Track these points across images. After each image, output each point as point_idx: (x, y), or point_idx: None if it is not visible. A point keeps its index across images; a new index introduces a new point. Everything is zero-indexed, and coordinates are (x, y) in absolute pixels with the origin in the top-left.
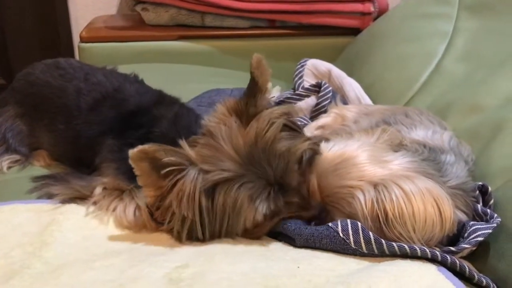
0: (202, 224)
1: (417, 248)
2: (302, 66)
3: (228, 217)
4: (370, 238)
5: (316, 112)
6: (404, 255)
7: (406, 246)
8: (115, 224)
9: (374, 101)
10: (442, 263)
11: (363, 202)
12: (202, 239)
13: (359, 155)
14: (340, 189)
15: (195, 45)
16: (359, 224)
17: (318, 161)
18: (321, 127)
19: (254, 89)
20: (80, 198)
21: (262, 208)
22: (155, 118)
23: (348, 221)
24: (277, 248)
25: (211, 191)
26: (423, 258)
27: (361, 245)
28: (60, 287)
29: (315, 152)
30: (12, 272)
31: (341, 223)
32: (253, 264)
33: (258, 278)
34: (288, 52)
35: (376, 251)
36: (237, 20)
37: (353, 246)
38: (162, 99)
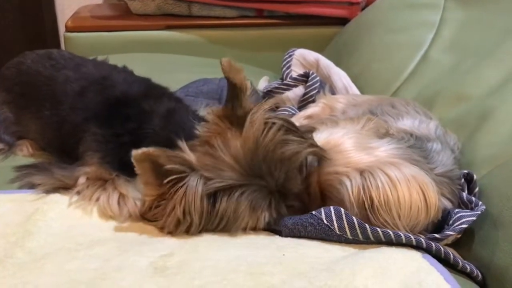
0: (200, 225)
1: (402, 235)
2: (290, 56)
3: (227, 222)
4: (354, 223)
5: (304, 102)
6: (389, 242)
7: (391, 232)
8: (99, 214)
9: (362, 91)
10: (427, 250)
11: (349, 188)
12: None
13: (345, 142)
14: (328, 176)
15: (182, 34)
16: (342, 210)
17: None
18: (309, 116)
19: (235, 92)
20: (63, 188)
21: (264, 217)
22: (145, 112)
23: (331, 207)
24: (263, 237)
25: (212, 197)
26: (408, 245)
27: (345, 231)
28: (44, 276)
29: (317, 156)
30: None
31: (324, 210)
32: (239, 252)
33: (243, 265)
34: (276, 42)
35: (360, 236)
36: (225, 10)
37: (337, 232)
38: (151, 89)
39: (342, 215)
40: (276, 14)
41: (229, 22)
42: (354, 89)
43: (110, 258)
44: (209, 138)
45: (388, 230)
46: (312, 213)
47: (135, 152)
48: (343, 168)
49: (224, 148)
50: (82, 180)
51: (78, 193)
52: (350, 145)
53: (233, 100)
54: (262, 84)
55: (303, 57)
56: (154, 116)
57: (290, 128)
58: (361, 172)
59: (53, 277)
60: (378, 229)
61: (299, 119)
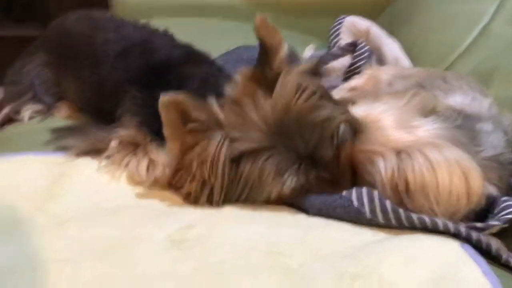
0: (222, 190)
1: (439, 222)
2: (340, 23)
3: (251, 187)
4: (387, 207)
5: (350, 73)
6: (424, 228)
7: (426, 218)
8: (127, 179)
9: (414, 64)
10: (466, 239)
11: (383, 169)
12: (219, 204)
13: (384, 119)
14: (361, 154)
15: None
16: (375, 192)
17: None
18: (353, 89)
19: (266, 52)
20: (95, 151)
21: (290, 182)
22: (184, 77)
23: (363, 189)
24: (288, 215)
25: (236, 160)
26: (446, 233)
27: (376, 215)
28: (65, 241)
29: (352, 125)
30: (16, 224)
31: (355, 191)
32: (260, 229)
33: (262, 243)
34: (327, 7)
35: (393, 221)
36: None
37: (368, 216)
38: (192, 55)
39: (374, 198)
40: None
41: None
42: (405, 61)
43: (130, 227)
44: (237, 98)
45: (424, 216)
46: (342, 194)
47: (163, 98)
48: (378, 147)
49: (253, 108)
50: (114, 143)
51: (108, 157)
52: (390, 122)
53: (263, 61)
54: (308, 52)
55: (353, 25)
56: (192, 81)
57: (324, 95)
58: (398, 153)
59: (70, 242)
60: (413, 215)
61: (341, 91)
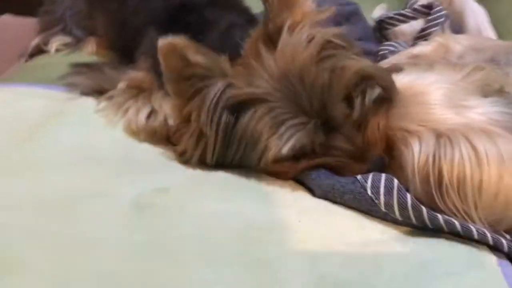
0: (216, 144)
1: (473, 229)
2: None
3: (246, 145)
4: (407, 202)
5: (420, 39)
6: (453, 233)
7: (457, 223)
8: (123, 126)
9: (502, 37)
10: (508, 255)
11: (416, 154)
12: (211, 161)
13: (431, 93)
14: (395, 132)
15: None
16: (395, 182)
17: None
18: (415, 56)
19: (268, 8)
20: (100, 91)
21: (288, 138)
22: (207, 22)
23: (383, 176)
24: (289, 193)
25: (235, 109)
26: (481, 242)
27: (393, 209)
28: (19, 186)
29: (386, 89)
30: None
31: (372, 177)
32: (244, 206)
33: (239, 224)
34: None
35: (413, 220)
36: None
37: (383, 208)
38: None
39: (393, 188)
40: None
41: None
42: (489, 33)
43: (99, 181)
44: (244, 58)
45: (454, 220)
46: (356, 177)
47: (161, 42)
48: (415, 125)
49: (257, 63)
50: (121, 85)
51: (110, 98)
52: (437, 97)
53: (267, 17)
54: (377, 12)
55: None
56: (213, 29)
57: (342, 44)
58: (438, 136)
59: (28, 185)
60: (439, 216)
61: (400, 57)
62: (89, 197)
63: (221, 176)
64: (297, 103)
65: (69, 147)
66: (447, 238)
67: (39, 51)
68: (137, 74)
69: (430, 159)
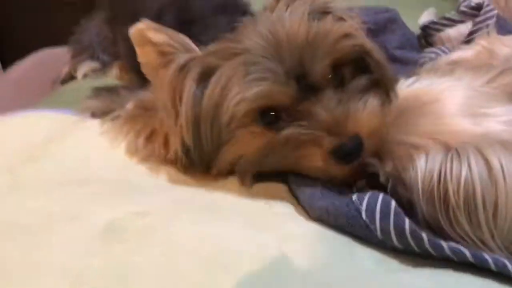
0: (188, 124)
1: (489, 259)
2: None
3: (214, 111)
4: (405, 228)
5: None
6: (464, 263)
7: (467, 253)
8: (125, 148)
9: None
10: None
11: (421, 172)
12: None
13: (444, 100)
14: (399, 146)
15: None
16: (393, 204)
17: None
18: (454, 62)
19: None
20: (108, 113)
21: (257, 80)
22: (209, 27)
23: (380, 197)
24: (278, 216)
25: (204, 77)
26: (500, 273)
27: (390, 236)
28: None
29: (360, 47)
30: None
31: (368, 198)
32: (223, 230)
33: (211, 249)
34: None
35: (414, 247)
36: None
37: (379, 235)
38: (227, 5)
39: (390, 212)
40: None
41: None
42: None
43: (77, 204)
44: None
45: (463, 249)
46: (351, 199)
47: (131, 32)
48: (423, 139)
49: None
50: (128, 105)
51: (115, 118)
52: (452, 105)
53: None
54: (425, 17)
55: None
56: (214, 30)
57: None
58: (447, 150)
59: (7, 209)
60: (444, 245)
61: (439, 65)
62: (64, 221)
63: (207, 198)
64: (277, 57)
65: (64, 169)
66: (456, 269)
67: (70, 77)
68: (146, 94)
69: (435, 177)
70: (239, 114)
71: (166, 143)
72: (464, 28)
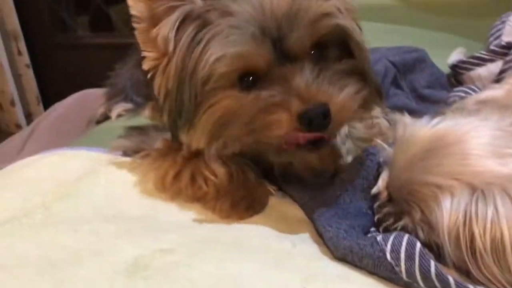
0: (177, 67)
1: None
2: (503, 22)
3: (196, 63)
4: (430, 270)
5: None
6: None
7: None
8: (152, 185)
9: None
10: None
11: (447, 213)
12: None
13: (469, 141)
14: (423, 187)
15: None
16: (418, 245)
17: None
18: (482, 102)
19: None
20: (138, 151)
21: (235, 41)
22: None
23: (405, 237)
24: (303, 255)
25: (199, 27)
26: None
27: (415, 278)
28: (27, 244)
29: (340, 27)
30: (13, 217)
31: (393, 239)
32: (246, 269)
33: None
34: (495, 6)
35: None
36: None
37: (404, 277)
38: None
39: (415, 253)
40: None
41: None
42: None
43: (105, 240)
44: None
45: None
46: (375, 239)
47: None
48: (448, 179)
49: None
50: (157, 145)
51: (145, 157)
52: (477, 146)
53: None
54: (454, 57)
55: None
56: None
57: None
58: (473, 191)
59: (40, 244)
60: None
61: (467, 104)
62: (91, 257)
63: (232, 236)
64: (259, 24)
65: (94, 205)
66: None
67: (105, 117)
68: None
69: (461, 219)
70: (216, 73)
71: (193, 182)
72: (494, 67)
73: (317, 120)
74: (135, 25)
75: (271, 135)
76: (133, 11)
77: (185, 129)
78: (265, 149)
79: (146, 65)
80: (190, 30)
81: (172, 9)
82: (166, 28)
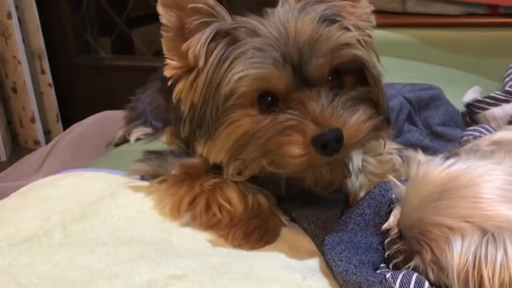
0: (206, 81)
1: None
2: None
3: (221, 79)
4: None
5: None
6: None
7: None
8: (168, 210)
9: None
10: None
11: (457, 254)
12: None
13: (482, 184)
14: (434, 227)
15: (394, 34)
16: (426, 285)
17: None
18: (496, 142)
19: None
20: (154, 176)
21: (256, 63)
22: None
23: (414, 276)
24: (312, 286)
25: (229, 44)
26: None
27: None
28: (43, 263)
29: (360, 58)
30: (32, 236)
31: (402, 277)
32: None
33: None
34: (506, 45)
35: None
36: (447, 6)
37: None
38: None
39: None
40: None
41: (451, 20)
42: None
43: (120, 262)
44: None
45: None
46: (384, 275)
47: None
48: (460, 221)
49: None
50: (174, 171)
51: (162, 182)
52: (489, 190)
53: None
54: (470, 95)
55: None
56: None
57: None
58: (483, 234)
59: (56, 265)
60: None
61: (480, 144)
62: (106, 279)
63: (244, 266)
64: (282, 48)
65: (111, 228)
66: None
67: (124, 140)
68: (191, 161)
69: (470, 260)
70: (238, 92)
71: (207, 209)
72: (510, 107)
73: (331, 144)
74: (162, 32)
75: (287, 155)
76: (162, 20)
77: (202, 141)
78: (281, 170)
79: (167, 72)
80: (219, 48)
81: (203, 24)
82: (198, 43)
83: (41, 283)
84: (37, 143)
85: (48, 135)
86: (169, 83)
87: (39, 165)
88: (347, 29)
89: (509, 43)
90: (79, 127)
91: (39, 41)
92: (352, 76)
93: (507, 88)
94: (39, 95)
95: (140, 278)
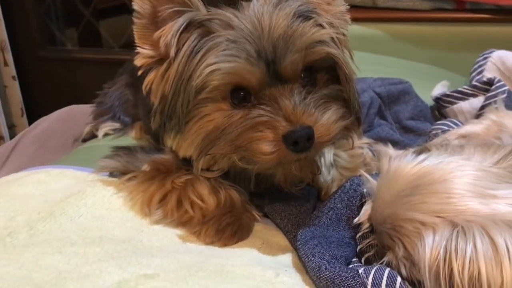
0: (177, 71)
1: None
2: (485, 58)
3: (193, 71)
4: None
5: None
6: None
7: None
8: (138, 208)
9: None
10: None
11: (428, 248)
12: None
13: (454, 180)
14: (406, 223)
15: (364, 28)
16: (398, 279)
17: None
18: (463, 136)
19: None
20: (124, 173)
21: (229, 55)
22: None
23: (387, 271)
24: (285, 282)
25: (202, 35)
26: None
27: None
28: (8, 265)
29: (332, 56)
30: None
31: (374, 272)
32: None
33: None
34: (478, 42)
35: None
36: (416, 1)
37: None
38: None
39: (395, 286)
40: (482, 7)
41: (419, 15)
42: None
43: (89, 262)
44: None
45: None
46: (357, 271)
47: None
48: (431, 216)
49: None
50: (143, 167)
51: (131, 180)
52: (459, 185)
53: None
54: (438, 90)
55: (501, 61)
56: None
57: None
58: (454, 227)
59: (15, 267)
60: None
61: (448, 138)
62: (75, 280)
63: (216, 263)
64: (255, 42)
65: (79, 227)
66: None
67: (92, 136)
68: (161, 157)
69: (441, 254)
70: (210, 85)
71: (179, 206)
72: (477, 102)
73: (302, 142)
74: (134, 19)
75: (257, 151)
76: (135, 6)
77: (172, 134)
78: (251, 166)
79: (138, 61)
80: (192, 38)
81: (176, 13)
82: (170, 32)
83: (6, 285)
84: (0, 138)
85: (12, 130)
86: (140, 72)
87: (2, 162)
88: (321, 26)
89: (475, 38)
90: (44, 122)
91: (1, 33)
92: (325, 74)
93: (474, 82)
94: (2, 88)
95: (111, 278)
